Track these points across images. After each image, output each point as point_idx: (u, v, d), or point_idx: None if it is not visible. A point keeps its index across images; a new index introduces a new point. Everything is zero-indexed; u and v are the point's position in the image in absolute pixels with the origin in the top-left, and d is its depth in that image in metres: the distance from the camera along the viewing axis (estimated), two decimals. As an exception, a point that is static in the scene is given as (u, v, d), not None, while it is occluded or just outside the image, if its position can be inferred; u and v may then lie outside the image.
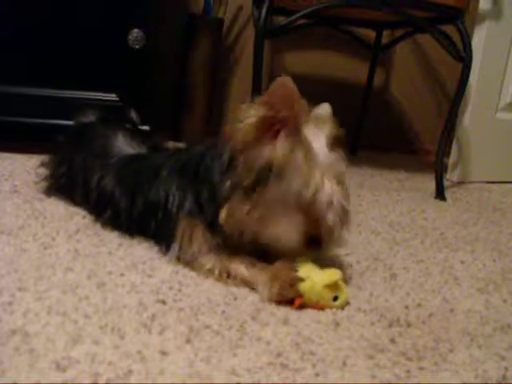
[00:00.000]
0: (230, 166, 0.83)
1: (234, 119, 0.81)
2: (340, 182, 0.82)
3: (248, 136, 0.79)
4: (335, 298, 0.81)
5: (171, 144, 1.11)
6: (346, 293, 0.82)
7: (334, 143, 0.86)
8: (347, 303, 0.83)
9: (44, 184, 1.20)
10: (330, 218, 0.80)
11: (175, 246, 0.89)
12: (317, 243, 0.82)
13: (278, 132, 0.79)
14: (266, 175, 0.78)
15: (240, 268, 0.85)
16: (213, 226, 0.86)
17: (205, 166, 0.89)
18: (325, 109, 0.90)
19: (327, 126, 0.87)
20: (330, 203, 0.79)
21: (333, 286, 0.80)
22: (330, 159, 0.83)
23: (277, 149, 0.78)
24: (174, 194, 0.91)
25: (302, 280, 0.79)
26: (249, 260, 0.86)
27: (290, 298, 0.79)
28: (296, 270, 0.81)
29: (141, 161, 1.03)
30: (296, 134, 0.79)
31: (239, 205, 0.80)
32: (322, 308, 0.80)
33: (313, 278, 0.80)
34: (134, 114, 1.32)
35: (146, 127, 1.61)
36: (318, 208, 0.79)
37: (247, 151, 0.79)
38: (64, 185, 1.16)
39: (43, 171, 1.21)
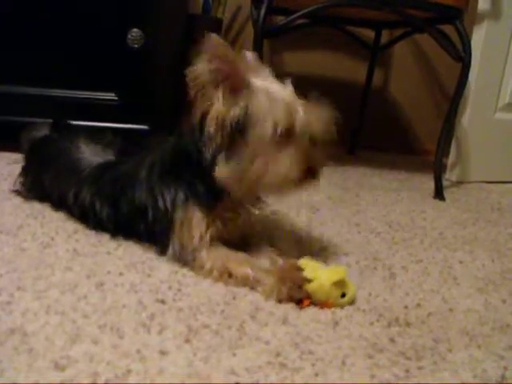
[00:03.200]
0: (202, 136, 0.85)
1: (189, 82, 0.83)
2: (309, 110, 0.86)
3: (204, 94, 0.82)
4: (343, 295, 0.81)
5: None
6: (353, 288, 0.83)
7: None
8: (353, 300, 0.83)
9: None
10: (315, 131, 0.84)
11: (174, 242, 0.89)
12: (312, 173, 0.85)
13: (226, 83, 0.82)
14: (238, 127, 0.82)
15: (243, 269, 0.85)
16: (209, 205, 0.88)
17: (181, 153, 0.91)
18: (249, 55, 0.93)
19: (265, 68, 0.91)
20: (310, 122, 0.84)
21: (340, 283, 0.81)
22: (284, 88, 0.87)
23: (231, 100, 0.81)
24: (161, 193, 0.90)
25: (309, 281, 0.80)
26: (249, 259, 0.87)
27: (299, 298, 0.80)
28: (302, 270, 0.82)
29: (113, 168, 1.01)
30: (245, 83, 0.83)
31: (230, 163, 0.84)
32: (330, 306, 0.80)
33: (319, 277, 0.80)
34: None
35: (144, 126, 1.62)
36: (301, 131, 0.84)
37: (208, 111, 0.82)
38: (39, 191, 1.14)
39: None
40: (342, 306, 0.81)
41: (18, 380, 0.56)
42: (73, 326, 0.67)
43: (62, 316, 0.69)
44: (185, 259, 0.88)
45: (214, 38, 0.82)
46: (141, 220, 0.94)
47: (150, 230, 0.93)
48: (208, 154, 0.85)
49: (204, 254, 0.87)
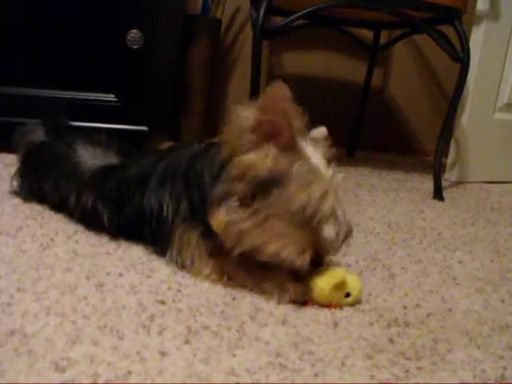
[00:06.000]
0: (222, 171, 0.81)
1: (230, 121, 0.78)
2: (339, 194, 0.81)
3: (243, 138, 0.76)
4: (348, 295, 0.81)
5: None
6: (358, 286, 0.82)
7: (329, 162, 0.83)
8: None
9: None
10: (332, 232, 0.77)
11: (172, 251, 0.88)
12: (317, 261, 0.80)
13: (273, 139, 0.76)
14: (265, 186, 0.76)
15: (241, 275, 0.84)
16: (209, 231, 0.82)
17: (195, 171, 0.87)
18: (321, 132, 0.89)
19: (323, 145, 0.85)
20: (334, 216, 0.77)
21: (340, 285, 0.80)
22: (329, 173, 0.80)
23: (273, 157, 0.76)
24: (167, 202, 0.89)
25: (310, 290, 0.80)
26: (249, 266, 0.85)
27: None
28: (302, 278, 0.81)
29: (118, 172, 0.99)
30: (293, 146, 0.78)
31: (235, 214, 0.78)
32: (335, 306, 0.80)
33: (318, 283, 0.80)
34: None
35: (144, 128, 1.62)
36: (321, 221, 0.76)
37: (241, 155, 0.77)
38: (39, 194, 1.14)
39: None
40: (348, 305, 0.81)
41: (18, 381, 0.55)
42: (73, 327, 0.67)
43: (62, 317, 0.69)
44: (182, 264, 0.88)
45: (278, 88, 0.74)
46: (145, 225, 0.93)
47: (149, 233, 0.93)
48: (216, 193, 0.80)
49: (201, 262, 0.86)
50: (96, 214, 0.99)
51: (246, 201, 0.77)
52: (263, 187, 0.76)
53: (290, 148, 0.77)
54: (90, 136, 1.11)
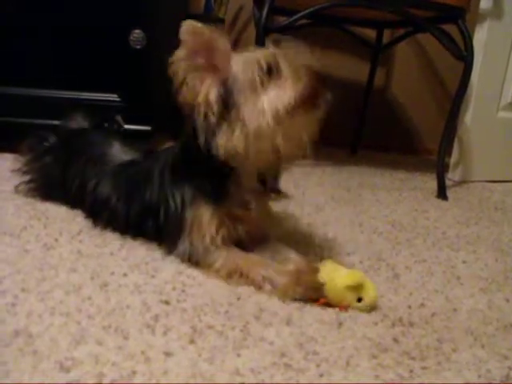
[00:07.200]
0: (194, 127, 0.85)
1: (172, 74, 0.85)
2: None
3: (181, 68, 0.83)
4: (360, 300, 0.81)
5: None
6: (373, 295, 0.82)
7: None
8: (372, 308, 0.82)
9: (27, 186, 1.19)
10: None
11: (185, 241, 0.89)
12: (314, 98, 0.84)
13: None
14: (224, 98, 0.82)
15: (255, 268, 0.85)
16: (216, 202, 0.88)
17: (186, 152, 0.91)
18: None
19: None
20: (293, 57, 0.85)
21: (355, 287, 0.80)
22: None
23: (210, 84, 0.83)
24: (172, 192, 0.91)
25: (323, 284, 0.80)
26: (262, 260, 0.87)
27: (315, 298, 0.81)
28: (318, 271, 0.82)
29: (134, 166, 1.04)
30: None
31: (227, 133, 0.83)
32: (346, 308, 0.80)
33: (334, 279, 0.80)
34: (119, 118, 1.33)
35: (147, 127, 1.62)
36: (286, 63, 0.83)
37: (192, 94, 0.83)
38: (52, 186, 1.16)
39: (24, 173, 1.21)
40: (359, 310, 0.80)
41: (22, 381, 0.56)
42: (77, 328, 0.67)
43: (67, 317, 0.69)
44: (194, 258, 0.88)
45: (188, 24, 0.82)
46: (151, 218, 0.95)
47: (159, 228, 0.94)
48: (205, 140, 0.85)
49: (214, 253, 0.87)
50: (109, 204, 1.01)
51: (223, 121, 0.83)
52: (224, 102, 0.82)
53: (222, 62, 0.84)
54: (127, 137, 1.19)
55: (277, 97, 0.82)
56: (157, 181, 0.95)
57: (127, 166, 1.05)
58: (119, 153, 1.09)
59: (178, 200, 0.90)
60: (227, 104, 0.82)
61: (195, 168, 0.90)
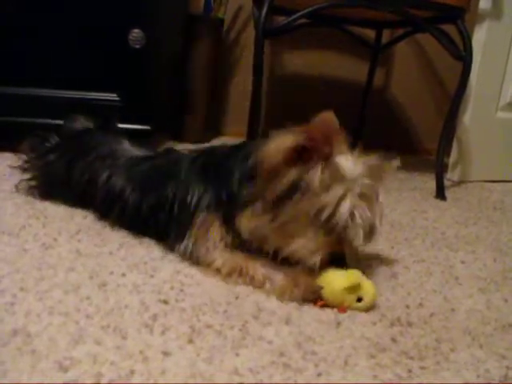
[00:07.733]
0: (252, 174, 0.84)
1: (270, 141, 0.82)
2: (367, 196, 0.82)
3: (278, 156, 0.79)
4: (359, 299, 0.81)
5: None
6: (372, 294, 0.82)
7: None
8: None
9: (29, 184, 1.19)
10: (351, 233, 0.81)
11: (190, 237, 0.90)
12: (341, 260, 0.82)
13: (308, 158, 0.80)
14: (291, 191, 0.80)
15: (255, 267, 0.85)
16: (229, 226, 0.88)
17: (226, 168, 0.91)
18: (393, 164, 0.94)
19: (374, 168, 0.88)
20: (351, 218, 0.80)
21: (353, 288, 0.80)
22: (355, 174, 0.82)
23: (309, 173, 0.79)
24: (193, 190, 0.92)
25: (321, 288, 0.80)
26: (264, 260, 0.86)
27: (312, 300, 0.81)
28: (316, 275, 0.82)
29: (149, 161, 1.05)
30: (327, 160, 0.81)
31: (260, 216, 0.83)
32: (345, 310, 0.80)
33: (331, 282, 0.80)
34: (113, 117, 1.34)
35: (146, 127, 1.62)
36: (339, 223, 0.80)
37: (274, 171, 0.80)
38: (54, 185, 1.16)
39: (25, 171, 1.21)
40: (359, 311, 0.81)
41: (21, 381, 0.56)
42: (76, 327, 0.67)
43: (65, 317, 0.69)
44: (194, 255, 0.89)
45: (327, 120, 0.80)
46: (164, 211, 0.95)
47: (169, 221, 0.94)
48: (243, 194, 0.85)
49: (216, 252, 0.88)
50: (123, 195, 1.01)
51: (268, 206, 0.81)
52: (286, 194, 0.80)
53: (323, 157, 0.80)
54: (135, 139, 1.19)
55: (307, 245, 0.82)
56: (184, 176, 0.95)
57: (142, 160, 1.05)
58: (130, 149, 1.10)
59: (195, 199, 0.91)
60: (282, 196, 0.80)
61: (222, 184, 0.90)
